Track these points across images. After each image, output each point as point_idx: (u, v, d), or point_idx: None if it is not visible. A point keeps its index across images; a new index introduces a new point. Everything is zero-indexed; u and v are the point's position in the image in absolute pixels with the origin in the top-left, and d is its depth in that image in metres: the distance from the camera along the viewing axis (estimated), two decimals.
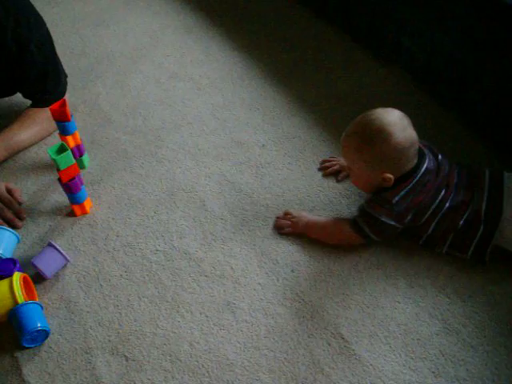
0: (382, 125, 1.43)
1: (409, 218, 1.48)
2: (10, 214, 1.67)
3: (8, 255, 1.55)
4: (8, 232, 1.58)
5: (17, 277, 1.43)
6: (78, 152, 1.78)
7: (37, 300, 1.47)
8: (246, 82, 2.16)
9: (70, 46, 2.36)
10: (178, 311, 1.45)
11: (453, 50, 1.82)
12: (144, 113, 2.04)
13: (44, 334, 1.40)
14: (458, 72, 1.83)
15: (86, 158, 1.83)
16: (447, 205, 1.48)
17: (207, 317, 1.44)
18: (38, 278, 1.53)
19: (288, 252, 1.57)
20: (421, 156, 1.50)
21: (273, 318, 1.43)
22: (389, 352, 1.35)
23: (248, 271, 1.53)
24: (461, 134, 1.87)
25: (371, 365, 1.33)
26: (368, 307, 1.43)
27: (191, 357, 1.36)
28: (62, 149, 1.56)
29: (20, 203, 1.71)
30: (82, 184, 1.64)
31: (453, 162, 1.58)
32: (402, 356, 1.34)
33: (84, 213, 1.70)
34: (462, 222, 1.47)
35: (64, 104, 1.67)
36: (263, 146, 1.87)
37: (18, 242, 1.61)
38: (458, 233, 1.48)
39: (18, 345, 1.39)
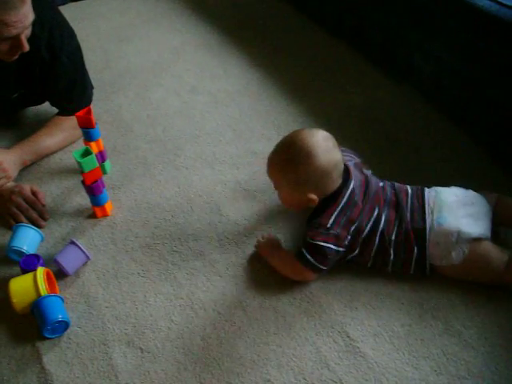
0: (306, 146, 1.46)
1: (348, 238, 1.50)
2: (34, 214, 1.75)
3: (32, 252, 1.63)
4: (32, 230, 1.67)
5: (40, 271, 1.51)
6: (101, 158, 1.86)
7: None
8: (262, 96, 2.24)
9: (94, 59, 2.46)
10: (191, 308, 1.52)
11: (461, 68, 1.90)
12: (164, 123, 2.13)
13: (64, 325, 1.47)
14: (467, 89, 1.90)
15: (107, 164, 1.92)
16: (382, 222, 1.51)
17: (219, 313, 1.50)
18: (59, 274, 1.60)
19: None
20: (347, 175, 1.53)
21: (282, 316, 1.49)
22: (393, 351, 1.41)
23: (260, 272, 1.59)
24: (471, 151, 1.93)
25: (375, 362, 1.38)
26: (374, 308, 1.49)
27: (203, 350, 1.43)
28: (86, 153, 1.64)
29: (43, 204, 1.79)
30: (103, 187, 1.73)
31: (380, 179, 1.62)
32: (405, 355, 1.40)
33: (105, 215, 1.78)
34: (392, 240, 1.50)
35: (89, 112, 1.75)
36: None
37: (42, 240, 1.69)
38: (397, 253, 1.51)
39: (39, 335, 1.46)
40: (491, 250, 1.48)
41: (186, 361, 1.41)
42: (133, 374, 1.39)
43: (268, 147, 1.95)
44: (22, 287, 1.49)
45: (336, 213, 1.49)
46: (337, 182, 1.50)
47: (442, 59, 1.98)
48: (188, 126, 2.11)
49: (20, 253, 1.61)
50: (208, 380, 1.37)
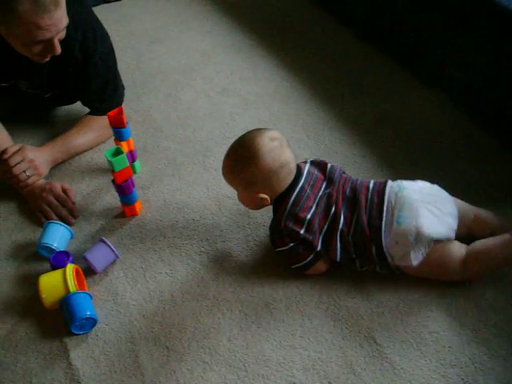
0: (251, 147, 1.48)
1: (301, 234, 1.49)
2: (64, 212, 1.77)
3: (62, 248, 1.65)
4: (63, 227, 1.69)
5: (70, 268, 1.53)
6: (131, 158, 1.87)
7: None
8: (292, 99, 2.24)
9: (126, 60, 2.48)
10: (218, 308, 1.52)
11: (494, 72, 1.88)
12: (194, 124, 2.14)
13: (92, 322, 1.49)
14: (499, 94, 1.88)
15: (137, 164, 1.93)
16: (341, 222, 1.50)
17: (246, 315, 1.51)
18: (88, 271, 1.62)
19: None
20: (297, 174, 1.54)
21: (309, 319, 1.49)
22: (420, 358, 1.39)
23: (287, 275, 1.59)
24: (501, 157, 1.91)
25: (402, 368, 1.37)
26: (401, 314, 1.48)
27: (229, 351, 1.43)
28: (117, 152, 1.66)
29: (73, 202, 1.81)
30: (133, 186, 1.74)
31: (345, 175, 1.62)
32: (432, 362, 1.38)
33: (134, 214, 1.79)
34: (350, 238, 1.49)
35: (121, 111, 1.77)
36: (306, 159, 1.93)
37: (72, 237, 1.71)
38: (357, 251, 1.50)
39: (67, 331, 1.48)
40: (452, 250, 1.47)
41: (211, 361, 1.41)
42: (158, 373, 1.39)
43: (297, 150, 1.97)
44: (51, 283, 1.51)
45: (286, 212, 1.50)
46: (285, 180, 1.52)
47: (474, 63, 1.96)
48: (218, 128, 2.12)
49: (50, 249, 1.63)
50: (233, 381, 1.37)
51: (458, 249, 1.48)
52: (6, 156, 1.77)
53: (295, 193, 1.52)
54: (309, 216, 1.50)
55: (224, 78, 2.39)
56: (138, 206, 1.79)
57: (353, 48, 2.51)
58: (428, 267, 1.47)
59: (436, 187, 1.57)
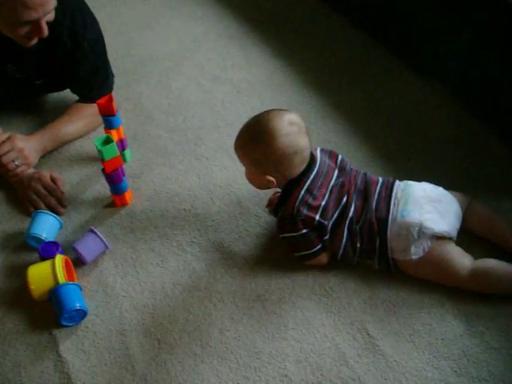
0: (268, 127, 1.45)
1: (317, 219, 1.47)
2: (53, 201, 1.74)
3: (51, 239, 1.63)
4: (51, 217, 1.67)
5: (59, 258, 1.51)
6: (121, 146, 1.85)
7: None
8: (284, 87, 2.22)
9: (115, 46, 2.44)
10: (210, 300, 1.51)
11: (489, 62, 1.86)
12: (185, 112, 2.12)
13: (82, 313, 1.47)
14: (495, 85, 1.87)
15: (127, 152, 1.91)
16: (351, 211, 1.50)
17: (238, 306, 1.49)
18: (77, 262, 1.60)
19: None
20: (311, 161, 1.52)
21: (301, 311, 1.47)
22: (413, 350, 1.39)
23: (279, 266, 1.58)
24: (496, 147, 1.89)
25: (395, 361, 1.37)
26: (394, 306, 1.47)
27: (221, 343, 1.42)
28: (107, 140, 1.63)
29: (62, 192, 1.78)
30: (124, 175, 1.71)
31: (354, 168, 1.61)
32: (425, 354, 1.38)
33: (124, 204, 1.77)
34: (358, 229, 1.48)
35: (111, 99, 1.74)
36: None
37: (61, 227, 1.69)
38: (363, 242, 1.49)
39: (56, 323, 1.46)
40: (453, 253, 1.47)
41: (203, 353, 1.40)
42: (149, 365, 1.38)
43: None
44: (40, 274, 1.49)
45: (299, 198, 1.48)
46: (298, 168, 1.50)
47: (469, 53, 1.94)
48: (209, 116, 2.09)
49: (39, 240, 1.61)
50: (225, 374, 1.36)
51: (460, 254, 1.47)
52: None
53: (310, 179, 1.50)
54: (323, 202, 1.49)
55: (215, 65, 2.35)
56: (128, 195, 1.77)
57: (347, 37, 2.47)
58: (427, 266, 1.47)
59: (441, 189, 1.57)
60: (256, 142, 1.47)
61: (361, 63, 2.32)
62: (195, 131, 2.02)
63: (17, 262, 1.63)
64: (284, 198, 1.52)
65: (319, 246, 1.52)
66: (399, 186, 1.55)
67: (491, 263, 1.46)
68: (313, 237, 1.50)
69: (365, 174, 1.59)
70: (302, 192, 1.48)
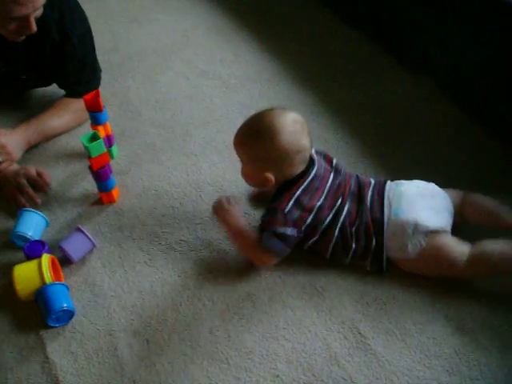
0: (272, 124, 1.43)
1: (308, 221, 1.46)
2: (30, 191, 1.71)
3: (37, 237, 1.60)
4: (37, 215, 1.64)
5: (45, 258, 1.48)
6: (108, 142, 1.82)
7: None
8: (274, 83, 2.20)
9: (102, 41, 2.39)
10: (199, 299, 1.49)
11: (480, 58, 1.85)
12: (173, 108, 2.09)
13: (69, 314, 1.44)
14: (486, 81, 1.86)
15: (115, 149, 1.88)
16: (344, 214, 1.48)
17: (228, 306, 1.47)
18: (64, 261, 1.57)
19: None
20: (310, 163, 1.50)
21: (292, 310, 1.46)
22: (404, 349, 1.38)
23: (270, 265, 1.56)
24: (486, 143, 1.88)
25: (386, 360, 1.36)
26: (385, 305, 1.46)
27: (211, 343, 1.40)
28: (94, 137, 1.61)
29: (48, 185, 1.76)
30: (111, 172, 1.69)
31: (348, 170, 1.60)
32: (416, 353, 1.37)
33: (111, 201, 1.74)
34: (353, 231, 1.47)
35: (97, 95, 1.72)
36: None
37: (47, 226, 1.66)
38: (358, 243, 1.48)
39: (43, 324, 1.44)
40: (450, 242, 1.46)
41: (192, 354, 1.38)
42: (138, 366, 1.36)
43: None
44: (26, 274, 1.46)
45: (295, 197, 1.46)
46: (298, 167, 1.48)
47: (460, 49, 1.93)
48: (197, 112, 2.07)
49: (24, 238, 1.59)
50: (215, 374, 1.34)
51: (457, 242, 1.46)
52: None
53: (307, 181, 1.48)
54: (319, 203, 1.47)
55: (204, 60, 2.33)
56: (115, 192, 1.74)
57: (337, 32, 2.46)
58: (425, 260, 1.46)
59: (432, 184, 1.56)
60: (260, 138, 1.45)
61: (351, 59, 2.31)
62: (183, 127, 2.00)
63: (2, 261, 1.60)
64: (278, 195, 1.50)
65: (290, 250, 1.49)
66: (391, 185, 1.54)
67: (489, 243, 1.45)
68: (294, 239, 1.48)
69: (357, 177, 1.58)
70: (298, 192, 1.46)
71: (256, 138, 1.46)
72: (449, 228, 1.49)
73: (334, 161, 1.58)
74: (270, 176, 1.47)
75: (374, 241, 1.47)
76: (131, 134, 1.98)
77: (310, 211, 1.46)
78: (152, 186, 1.79)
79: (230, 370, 1.35)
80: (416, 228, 1.43)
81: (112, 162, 1.77)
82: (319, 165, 1.52)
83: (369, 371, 1.34)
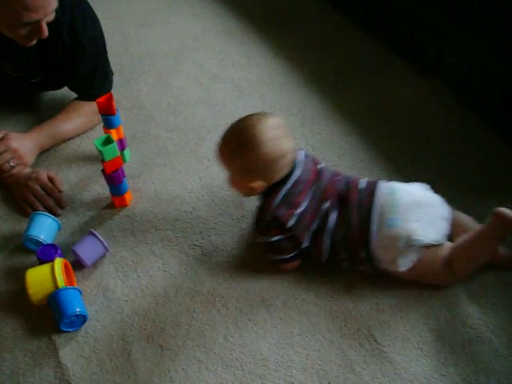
0: (254, 134, 1.41)
1: (291, 221, 1.44)
2: (50, 202, 1.71)
3: (49, 241, 1.59)
4: (50, 219, 1.63)
5: (58, 262, 1.47)
6: (121, 146, 1.81)
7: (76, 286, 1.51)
8: (286, 87, 2.19)
9: (113, 44, 2.39)
10: (213, 305, 1.48)
11: (494, 64, 1.84)
12: (185, 112, 2.08)
13: (82, 319, 1.43)
14: (500, 87, 1.84)
15: (127, 152, 1.87)
16: (332, 221, 1.46)
17: (242, 312, 1.46)
18: (76, 265, 1.56)
19: None
20: (293, 166, 1.48)
21: (306, 316, 1.44)
22: (421, 357, 1.36)
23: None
24: (500, 151, 1.86)
25: (403, 368, 1.34)
26: (401, 311, 1.44)
27: (225, 349, 1.39)
28: (107, 141, 1.60)
29: (60, 191, 1.75)
30: (124, 176, 1.68)
31: (337, 172, 1.58)
32: (433, 361, 1.35)
33: (124, 205, 1.73)
34: (341, 239, 1.45)
35: (110, 98, 1.70)
36: (301, 149, 1.88)
37: (59, 229, 1.65)
38: (347, 252, 1.46)
39: (55, 328, 1.43)
40: (439, 255, 1.43)
41: (207, 360, 1.37)
42: (152, 372, 1.35)
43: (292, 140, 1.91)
44: (38, 278, 1.45)
45: (277, 203, 1.45)
46: (284, 170, 1.46)
47: (474, 54, 1.91)
48: (210, 116, 2.06)
49: (37, 242, 1.58)
50: (230, 381, 1.33)
51: (445, 250, 1.44)
52: None
53: (290, 184, 1.46)
54: (300, 210, 1.45)
55: (215, 64, 2.32)
56: (128, 196, 1.73)
57: (349, 36, 2.44)
58: (415, 271, 1.43)
59: (428, 192, 1.52)
60: (243, 149, 1.42)
61: (362, 62, 2.30)
62: (196, 131, 1.99)
63: (14, 264, 1.59)
64: (263, 200, 1.50)
65: (292, 254, 1.49)
66: (382, 190, 1.48)
67: (458, 239, 1.45)
68: (286, 245, 1.48)
69: (348, 178, 1.55)
70: (280, 197, 1.45)
71: (240, 150, 1.43)
72: (444, 239, 1.45)
73: (319, 166, 1.55)
74: (259, 183, 1.46)
75: (363, 251, 1.44)
76: (143, 137, 1.97)
77: (291, 215, 1.45)
78: (164, 190, 1.78)
79: (244, 377, 1.33)
80: (408, 242, 1.39)
81: (124, 166, 1.75)
82: (305, 168, 1.50)
83: (385, 379, 1.32)
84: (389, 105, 2.08)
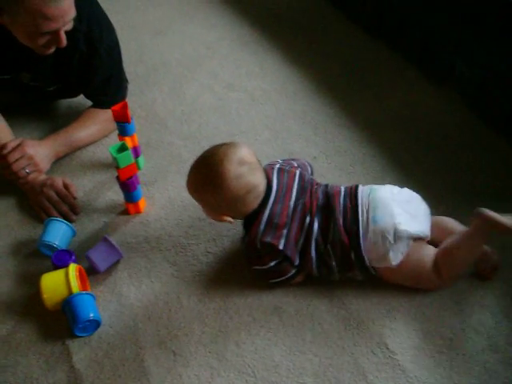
0: (217, 172, 1.40)
1: (282, 243, 1.43)
2: (65, 208, 1.72)
3: (63, 247, 1.61)
4: (64, 225, 1.65)
5: (72, 267, 1.48)
6: (135, 153, 1.82)
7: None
8: (299, 95, 2.20)
9: (128, 52, 2.40)
10: (226, 312, 1.48)
11: (507, 72, 1.83)
12: (199, 120, 2.09)
13: (95, 324, 1.44)
14: None
15: (141, 160, 1.88)
16: (315, 230, 1.46)
17: (254, 319, 1.46)
18: (90, 270, 1.57)
19: None
20: (267, 192, 1.46)
21: (319, 323, 1.45)
22: (433, 365, 1.36)
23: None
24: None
25: (415, 376, 1.34)
26: (414, 320, 1.44)
27: (237, 356, 1.39)
28: (122, 148, 1.61)
29: (75, 198, 1.76)
30: (138, 183, 1.69)
31: (314, 181, 1.57)
32: (446, 370, 1.35)
33: (138, 212, 1.74)
34: (329, 248, 1.45)
35: (125, 106, 1.72)
36: (314, 158, 1.89)
37: (74, 235, 1.67)
38: (337, 259, 1.45)
39: (69, 333, 1.44)
40: (427, 254, 1.45)
41: (219, 366, 1.37)
42: (164, 378, 1.36)
43: (305, 148, 1.94)
44: (53, 283, 1.47)
45: (261, 231, 1.44)
46: (253, 204, 1.45)
47: (487, 62, 1.91)
48: (223, 124, 2.07)
49: (51, 247, 1.59)
50: None
51: (432, 253, 1.46)
52: (5, 151, 1.73)
53: (267, 211, 1.45)
54: (285, 231, 1.45)
55: (229, 73, 2.33)
56: (142, 203, 1.74)
57: (361, 44, 2.46)
58: (405, 269, 1.44)
59: (406, 189, 1.54)
60: (207, 186, 1.43)
61: (375, 71, 2.31)
62: (209, 139, 1.99)
63: (29, 269, 1.60)
64: (246, 231, 1.50)
65: (293, 272, 1.49)
66: (363, 191, 1.50)
67: (443, 242, 1.47)
68: (283, 267, 1.48)
69: (326, 186, 1.54)
70: (262, 225, 1.44)
71: (205, 187, 1.44)
72: (428, 232, 1.47)
73: (297, 173, 1.54)
74: (228, 218, 1.49)
75: (352, 254, 1.44)
76: (157, 145, 1.99)
77: (280, 236, 1.44)
78: (178, 197, 1.79)
79: None
80: (396, 234, 1.41)
81: (138, 173, 1.77)
82: (279, 186, 1.48)
83: None
84: (402, 113, 2.08)
